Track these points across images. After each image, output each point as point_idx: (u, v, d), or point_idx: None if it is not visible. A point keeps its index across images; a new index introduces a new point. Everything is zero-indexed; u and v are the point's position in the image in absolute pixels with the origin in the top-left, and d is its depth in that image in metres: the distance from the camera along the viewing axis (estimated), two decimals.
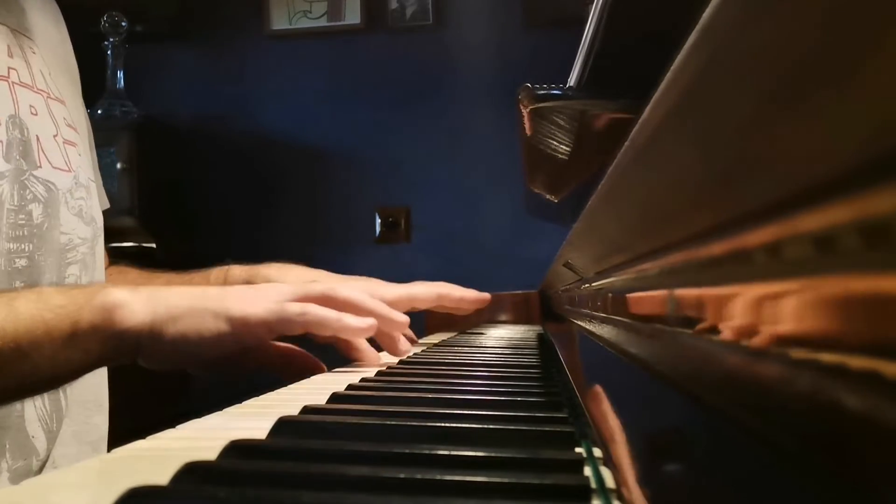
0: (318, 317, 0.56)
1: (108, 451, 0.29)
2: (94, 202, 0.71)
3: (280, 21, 2.16)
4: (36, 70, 0.67)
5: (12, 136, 0.61)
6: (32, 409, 0.61)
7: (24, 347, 0.47)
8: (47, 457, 0.62)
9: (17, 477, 0.57)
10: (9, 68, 0.63)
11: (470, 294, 0.85)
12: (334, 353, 0.63)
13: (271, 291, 0.57)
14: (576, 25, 0.70)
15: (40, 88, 0.67)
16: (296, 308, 0.55)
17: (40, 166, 0.63)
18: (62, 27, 0.76)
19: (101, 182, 0.78)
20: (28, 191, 0.61)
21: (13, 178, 0.60)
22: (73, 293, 0.51)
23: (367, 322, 0.59)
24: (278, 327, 0.55)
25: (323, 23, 2.15)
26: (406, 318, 0.66)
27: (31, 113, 0.64)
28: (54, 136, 0.66)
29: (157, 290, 0.54)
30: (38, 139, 0.64)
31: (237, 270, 0.77)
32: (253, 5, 2.17)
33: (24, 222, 0.60)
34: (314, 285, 0.60)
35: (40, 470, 0.60)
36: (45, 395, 0.62)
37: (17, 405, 0.59)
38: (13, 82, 0.63)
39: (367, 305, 0.61)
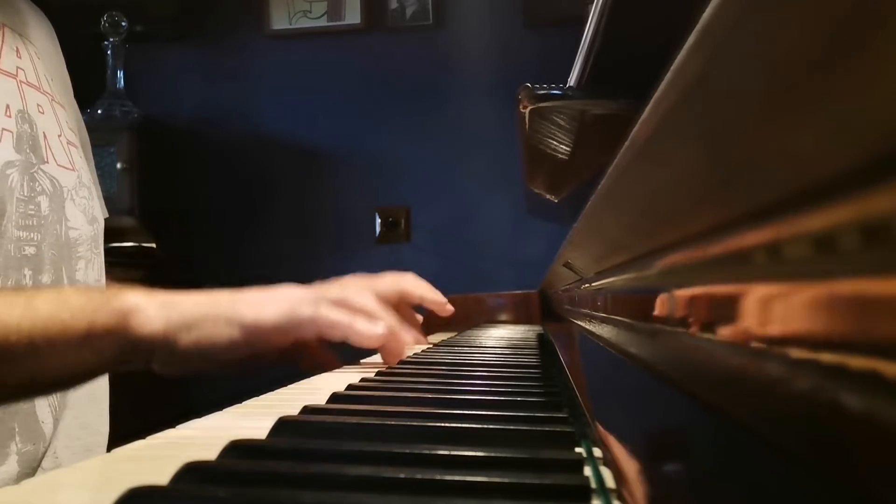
0: (329, 320, 0.55)
1: (109, 450, 0.29)
2: (95, 203, 0.72)
3: (280, 21, 2.16)
4: (41, 74, 0.69)
5: (22, 130, 0.62)
6: None
7: (39, 345, 0.48)
8: (50, 443, 0.62)
9: (24, 461, 0.58)
10: (17, 67, 0.65)
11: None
12: (341, 352, 0.63)
13: (285, 294, 0.57)
14: (576, 25, 0.70)
15: (45, 90, 0.68)
16: (307, 311, 0.55)
17: (47, 162, 0.65)
18: (58, 45, 0.78)
19: (100, 193, 0.78)
20: (37, 183, 0.63)
21: (23, 169, 0.61)
22: (92, 295, 0.52)
23: (380, 329, 0.58)
24: (291, 332, 0.55)
25: (323, 23, 2.15)
26: (410, 338, 0.65)
27: (39, 111, 0.66)
28: (59, 136, 0.68)
29: (172, 295, 0.54)
30: (45, 136, 0.65)
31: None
32: (253, 5, 2.17)
33: (33, 212, 0.61)
34: (329, 289, 0.60)
35: (45, 455, 0.61)
36: None
37: None
38: (21, 81, 0.65)
39: (379, 314, 0.60)
